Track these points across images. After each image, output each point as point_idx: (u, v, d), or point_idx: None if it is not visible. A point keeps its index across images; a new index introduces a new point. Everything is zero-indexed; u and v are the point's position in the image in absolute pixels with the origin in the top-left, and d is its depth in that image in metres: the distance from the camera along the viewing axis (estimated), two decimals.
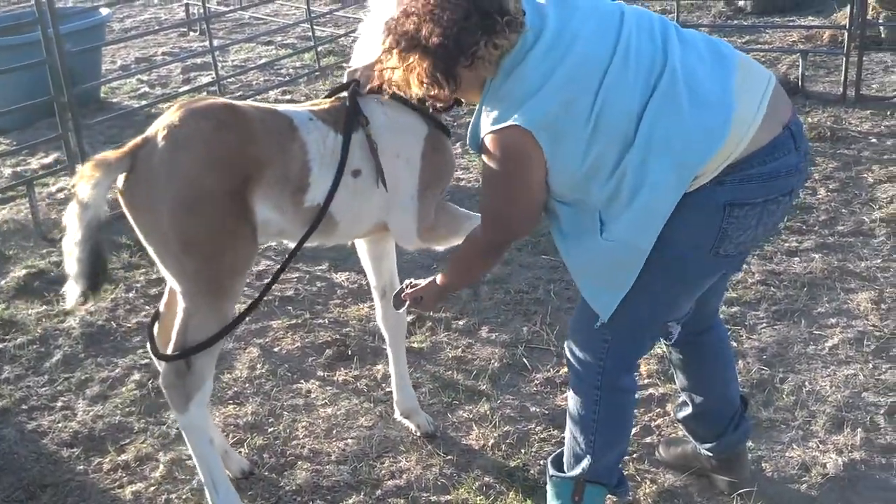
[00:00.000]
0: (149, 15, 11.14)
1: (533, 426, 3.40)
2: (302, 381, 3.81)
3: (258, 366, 3.92)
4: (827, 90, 6.94)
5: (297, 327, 4.20)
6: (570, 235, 2.48)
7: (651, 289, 2.43)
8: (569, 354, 2.68)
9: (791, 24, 8.68)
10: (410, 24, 2.34)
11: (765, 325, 3.95)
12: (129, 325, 4.32)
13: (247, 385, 3.79)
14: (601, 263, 2.44)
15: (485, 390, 3.64)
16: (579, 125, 2.31)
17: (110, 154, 2.63)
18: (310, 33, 8.65)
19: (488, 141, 2.37)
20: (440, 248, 3.19)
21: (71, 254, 2.66)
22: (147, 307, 4.43)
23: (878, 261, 4.41)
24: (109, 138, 6.73)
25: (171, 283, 2.76)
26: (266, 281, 3.06)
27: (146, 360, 3.98)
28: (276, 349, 4.05)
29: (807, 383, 3.53)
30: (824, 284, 4.23)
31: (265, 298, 4.36)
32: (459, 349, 3.92)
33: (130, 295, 4.57)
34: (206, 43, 7.89)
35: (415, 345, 3.98)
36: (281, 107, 2.92)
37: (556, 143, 2.32)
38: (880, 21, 7.61)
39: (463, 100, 2.55)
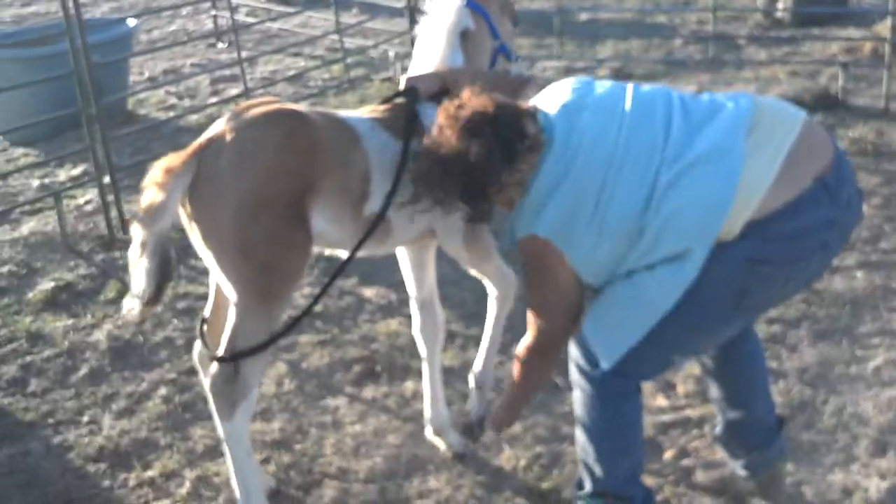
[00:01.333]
0: (176, 26, 11.17)
1: (565, 447, 3.31)
2: (330, 397, 3.74)
3: (286, 382, 3.86)
4: (869, 103, 6.79)
5: (325, 343, 4.14)
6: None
7: (667, 336, 2.43)
8: (572, 360, 2.67)
9: (830, 36, 8.54)
10: (442, 155, 2.46)
11: (806, 344, 3.84)
12: (156, 339, 4.27)
13: (274, 401, 3.73)
14: (615, 312, 2.51)
15: None
16: (583, 227, 2.42)
17: (177, 159, 2.56)
18: (338, 45, 8.62)
19: (520, 246, 2.55)
20: (474, 267, 3.16)
21: (138, 263, 2.62)
22: (174, 321, 4.39)
23: None
24: (137, 150, 6.73)
25: (224, 287, 2.70)
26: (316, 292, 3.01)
27: (173, 376, 3.93)
28: (303, 365, 3.99)
29: (849, 405, 3.43)
30: (867, 303, 4.11)
31: (291, 314, 4.36)
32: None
33: (158, 309, 4.50)
34: (235, 54, 7.87)
35: (445, 362, 3.89)
36: (343, 114, 2.90)
37: (568, 245, 2.45)
38: None
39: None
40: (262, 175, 2.57)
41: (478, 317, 4.22)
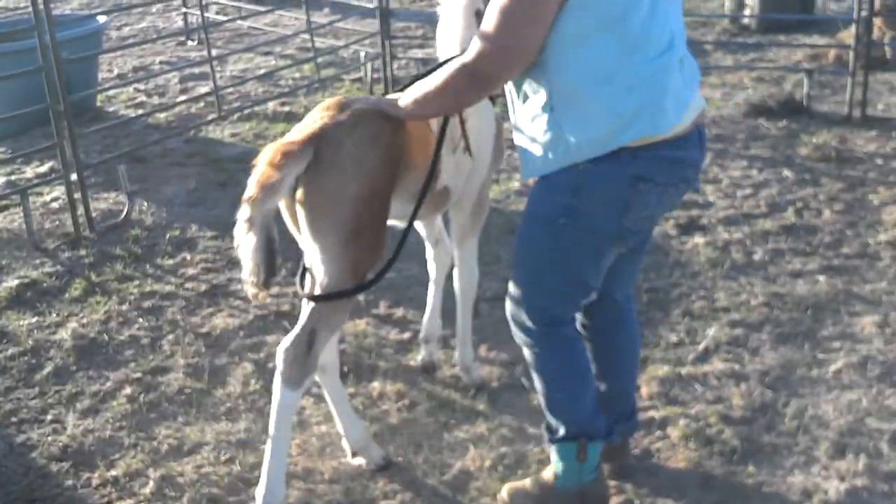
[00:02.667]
0: (146, 23, 11.10)
1: (531, 447, 3.33)
2: None
3: (252, 382, 3.85)
4: (832, 110, 6.90)
5: None
6: (525, 104, 2.62)
7: (564, 254, 2.66)
8: (514, 323, 2.87)
9: (796, 42, 8.65)
10: None
11: (768, 347, 3.89)
12: (121, 337, 4.24)
13: (240, 401, 3.72)
14: (537, 138, 2.58)
15: (482, 410, 3.57)
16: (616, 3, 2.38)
17: (294, 144, 2.65)
18: (309, 44, 8.60)
19: None
20: (460, 232, 3.50)
21: (246, 241, 2.66)
22: (140, 320, 4.36)
23: (884, 284, 4.35)
24: (105, 148, 6.68)
25: (323, 270, 2.79)
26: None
27: (138, 375, 3.91)
28: (270, 365, 3.96)
29: (810, 408, 3.47)
30: (829, 307, 4.17)
31: (258, 314, 4.36)
32: (457, 367, 3.85)
33: (124, 307, 4.49)
34: (205, 52, 7.83)
35: (411, 362, 3.92)
36: None
37: None
38: (886, 41, 7.59)
39: None
40: (377, 167, 2.75)
41: (445, 316, 4.24)
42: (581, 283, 2.76)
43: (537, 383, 2.93)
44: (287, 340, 2.83)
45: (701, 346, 3.91)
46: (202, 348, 4.11)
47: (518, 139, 2.69)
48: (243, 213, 2.64)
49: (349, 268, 2.78)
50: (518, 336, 2.90)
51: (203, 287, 4.68)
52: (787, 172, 5.74)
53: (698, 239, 4.89)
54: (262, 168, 2.63)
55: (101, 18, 7.83)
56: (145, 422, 3.61)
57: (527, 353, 2.91)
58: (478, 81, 2.51)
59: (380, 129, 2.77)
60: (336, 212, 2.72)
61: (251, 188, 2.63)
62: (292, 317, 4.34)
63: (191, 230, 5.33)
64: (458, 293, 3.65)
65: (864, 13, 6.69)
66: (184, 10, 10.36)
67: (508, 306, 2.89)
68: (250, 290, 2.77)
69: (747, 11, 9.56)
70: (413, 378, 3.80)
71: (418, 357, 3.88)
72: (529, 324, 2.82)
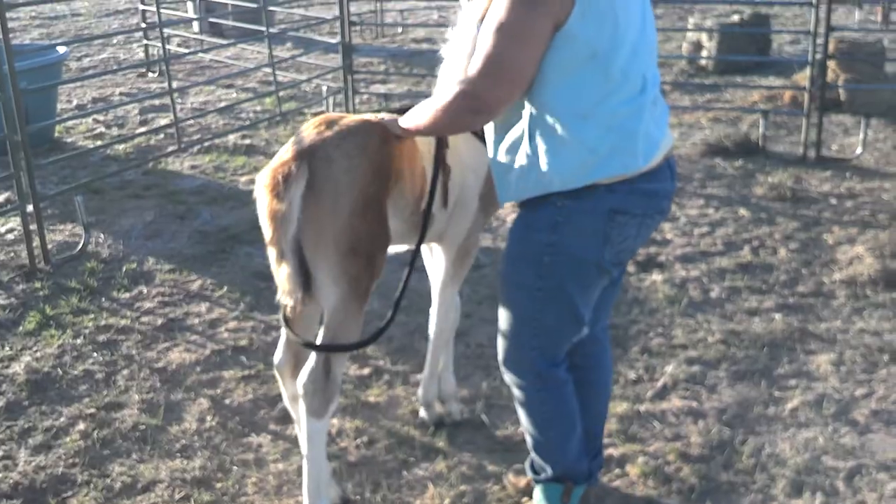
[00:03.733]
0: (107, 54, 11.03)
1: (490, 485, 3.31)
2: (253, 434, 3.68)
3: (208, 418, 3.79)
4: (788, 150, 7.03)
5: (249, 378, 4.08)
6: (504, 132, 2.65)
7: (554, 290, 2.68)
8: (504, 362, 2.88)
9: (752, 84, 8.83)
10: None
11: (725, 385, 3.92)
12: (75, 372, 4.16)
13: (195, 438, 3.66)
14: (514, 165, 2.61)
15: (442, 447, 3.55)
16: (601, 33, 2.40)
17: (288, 162, 2.71)
18: (271, 78, 8.60)
19: None
20: (449, 266, 3.43)
21: (280, 271, 2.77)
22: (94, 354, 4.28)
23: (839, 322, 4.42)
24: (62, 179, 6.60)
25: (325, 286, 2.82)
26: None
27: (91, 410, 3.84)
28: (227, 401, 3.92)
29: (767, 446, 3.49)
30: (785, 345, 4.22)
31: (216, 348, 4.31)
32: (417, 403, 3.82)
33: (78, 341, 4.41)
34: (165, 84, 7.80)
35: (371, 398, 3.89)
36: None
37: (588, 14, 2.38)
38: (840, 83, 7.78)
39: None
40: (368, 177, 2.78)
41: (406, 352, 4.23)
42: (575, 316, 2.76)
43: (526, 423, 2.94)
44: (305, 372, 2.88)
45: (659, 383, 3.93)
46: (157, 383, 4.05)
47: (494, 164, 2.70)
48: (270, 250, 2.78)
49: (350, 285, 2.81)
50: (511, 378, 2.90)
51: (159, 321, 4.62)
52: (743, 211, 5.83)
53: (656, 276, 4.94)
54: (266, 200, 2.72)
55: (62, 49, 7.76)
56: (98, 458, 3.53)
57: (518, 393, 2.90)
58: (475, 106, 2.48)
59: (366, 139, 2.82)
60: (333, 226, 2.75)
61: (266, 224, 2.74)
62: (250, 351, 4.30)
63: (148, 263, 5.27)
64: (432, 333, 3.60)
65: (818, 56, 6.86)
66: (145, 41, 10.33)
67: (501, 350, 2.88)
68: (287, 307, 2.87)
69: (704, 53, 9.75)
70: (372, 414, 3.77)
71: (422, 415, 3.71)
72: (525, 366, 2.82)
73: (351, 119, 2.93)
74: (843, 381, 3.91)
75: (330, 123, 2.87)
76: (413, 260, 3.02)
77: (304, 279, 2.78)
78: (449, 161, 3.10)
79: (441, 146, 3.02)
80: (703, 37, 9.79)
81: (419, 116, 2.67)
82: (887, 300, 4.60)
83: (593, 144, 2.49)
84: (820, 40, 6.81)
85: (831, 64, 7.54)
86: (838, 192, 6.13)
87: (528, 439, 2.97)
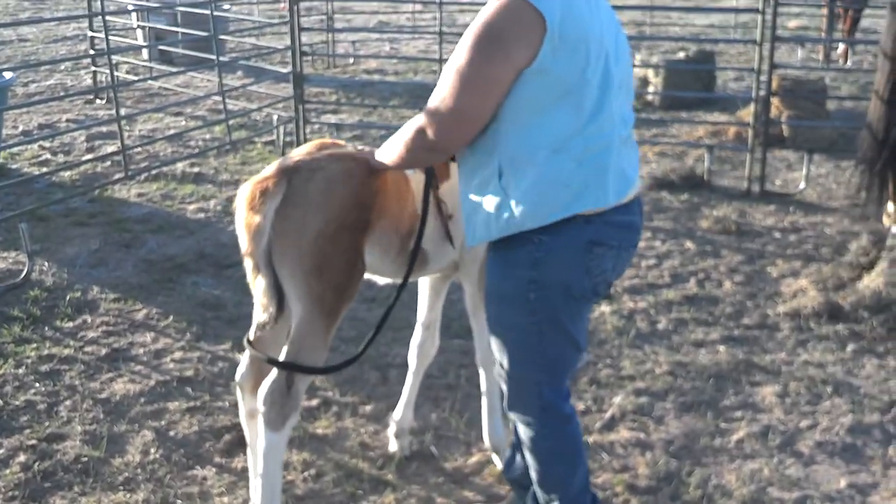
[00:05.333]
0: (55, 80, 10.88)
1: None
2: (198, 467, 3.61)
3: (152, 450, 3.71)
4: (732, 185, 7.17)
5: (195, 410, 4.01)
6: (473, 170, 2.62)
7: (547, 324, 2.65)
8: (509, 403, 2.83)
9: (697, 119, 9.00)
10: None
11: (672, 416, 3.95)
12: (16, 402, 4.05)
13: (139, 471, 3.58)
14: (485, 203, 2.58)
15: (391, 480, 3.52)
16: (573, 69, 2.41)
17: (269, 178, 2.79)
18: (221, 106, 8.56)
19: (484, 9, 2.40)
20: (472, 302, 3.39)
21: (256, 284, 2.84)
22: (37, 385, 4.18)
23: (783, 354, 4.49)
24: (7, 206, 6.47)
25: (293, 302, 2.86)
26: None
27: (33, 442, 3.73)
28: (171, 433, 3.85)
29: (713, 477, 3.52)
30: (730, 377, 4.27)
31: (161, 379, 4.23)
32: (366, 435, 3.79)
33: (20, 371, 4.30)
34: (113, 111, 7.71)
35: (319, 430, 3.84)
36: None
37: (560, 51, 2.38)
38: (783, 120, 7.96)
39: None
40: (345, 204, 2.81)
41: (355, 383, 4.20)
42: (573, 342, 2.74)
43: (531, 459, 2.89)
44: (266, 383, 2.89)
45: (607, 415, 3.95)
46: (101, 415, 3.96)
47: (464, 203, 2.68)
48: (247, 261, 2.85)
49: (314, 304, 2.83)
50: (517, 417, 2.84)
51: (103, 351, 4.52)
52: (689, 244, 5.92)
53: (605, 307, 4.98)
54: (244, 213, 2.79)
55: (8, 75, 7.63)
56: (39, 491, 3.44)
57: (524, 430, 2.85)
58: (430, 145, 2.53)
59: (352, 169, 2.85)
60: (300, 242, 2.78)
61: (242, 236, 2.82)
62: (195, 382, 4.23)
63: (92, 292, 5.18)
64: (481, 365, 3.54)
65: (762, 92, 7.02)
66: (93, 68, 10.21)
67: (507, 392, 2.82)
68: (260, 323, 2.90)
69: (651, 88, 9.92)
70: (320, 447, 3.73)
71: (394, 446, 3.69)
72: (534, 402, 2.77)
73: (345, 148, 2.98)
74: (788, 412, 3.97)
75: (322, 147, 2.95)
76: (397, 296, 3.00)
77: (279, 293, 2.82)
78: (450, 201, 3.08)
79: (429, 187, 2.97)
80: (650, 73, 9.97)
81: (387, 150, 2.73)
82: (830, 332, 4.68)
83: (566, 179, 2.48)
84: (763, 77, 6.98)
85: (775, 100, 7.73)
86: (782, 226, 6.26)
87: (533, 474, 2.91)
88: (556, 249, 2.56)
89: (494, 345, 2.82)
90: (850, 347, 4.54)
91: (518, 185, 2.51)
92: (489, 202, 2.57)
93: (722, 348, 4.54)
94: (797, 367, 4.36)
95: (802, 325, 4.78)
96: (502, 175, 2.53)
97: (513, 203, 2.52)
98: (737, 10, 12.60)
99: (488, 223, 2.60)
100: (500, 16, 2.38)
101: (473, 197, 2.63)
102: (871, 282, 5.01)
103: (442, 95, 2.45)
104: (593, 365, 4.37)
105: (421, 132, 2.52)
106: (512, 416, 2.89)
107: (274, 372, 2.90)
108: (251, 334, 3.05)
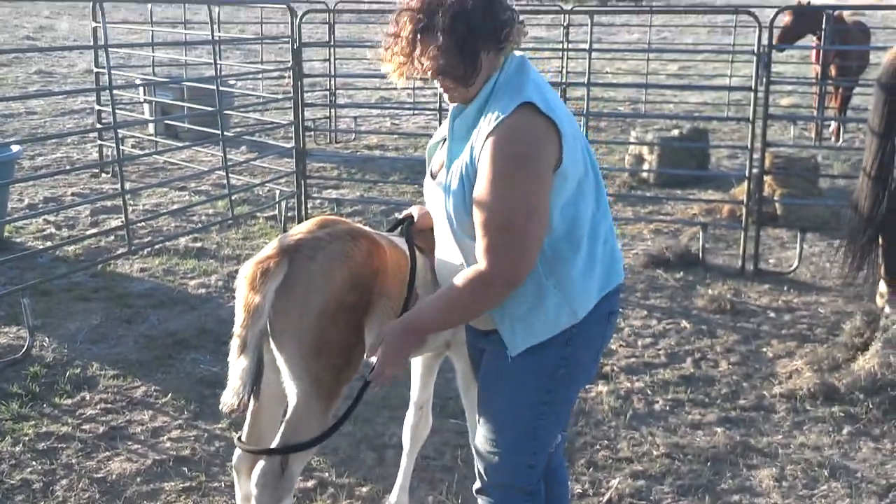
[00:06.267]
0: (61, 154, 11.04)
1: None
2: None
3: None
4: (727, 263, 7.24)
5: (190, 490, 4.01)
6: None
7: (561, 404, 2.68)
8: (487, 489, 2.77)
9: (691, 197, 9.11)
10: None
11: (670, 500, 3.96)
12: (12, 481, 4.05)
13: None
14: (538, 304, 2.55)
15: None
16: (579, 158, 2.50)
17: (270, 258, 2.82)
18: (224, 181, 8.67)
19: (498, 132, 2.38)
20: (464, 380, 3.37)
21: (237, 363, 2.81)
22: (34, 463, 4.19)
23: (780, 437, 4.50)
24: (9, 280, 6.52)
25: (288, 382, 2.87)
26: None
27: None
28: None
29: None
30: (727, 459, 4.28)
31: (157, 458, 4.24)
32: None
33: (17, 449, 4.31)
34: (118, 186, 7.81)
35: None
36: (395, 238, 3.12)
37: (570, 153, 2.45)
38: (776, 198, 8.07)
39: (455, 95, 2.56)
40: (346, 284, 2.84)
41: (351, 464, 4.20)
42: (565, 424, 2.78)
43: None
44: (259, 464, 2.89)
45: (605, 498, 3.95)
46: (96, 494, 3.96)
47: (501, 317, 2.59)
48: (235, 340, 2.81)
49: (312, 385, 2.83)
50: (491, 501, 2.78)
51: (101, 429, 4.54)
52: (685, 323, 5.96)
53: (602, 387, 5.00)
54: (244, 291, 2.80)
55: (15, 148, 7.76)
56: None
57: None
58: (507, 283, 2.45)
59: (354, 248, 2.89)
60: (300, 322, 2.80)
61: (239, 314, 2.80)
62: (192, 462, 4.24)
63: (92, 368, 5.21)
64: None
65: (755, 171, 7.13)
66: (99, 142, 10.36)
67: (489, 474, 2.75)
68: (228, 406, 2.84)
69: (646, 166, 10.06)
70: None
71: None
72: (518, 486, 2.72)
73: (346, 226, 3.02)
74: (785, 496, 3.97)
75: (323, 225, 2.98)
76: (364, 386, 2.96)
77: (255, 379, 2.81)
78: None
79: (414, 268, 2.96)
80: (645, 150, 10.12)
81: (442, 310, 2.56)
82: (826, 414, 4.70)
83: (602, 259, 2.60)
84: (757, 155, 7.10)
85: (768, 179, 7.83)
86: (776, 306, 6.31)
87: None
88: (588, 324, 2.60)
89: (490, 426, 2.72)
90: (846, 430, 4.55)
91: (566, 280, 2.53)
92: (536, 306, 2.54)
93: (719, 430, 4.55)
94: (794, 449, 4.37)
95: (798, 406, 4.81)
96: (548, 276, 2.53)
97: (564, 298, 2.54)
98: (730, 89, 12.87)
99: (538, 326, 2.56)
100: (524, 137, 2.39)
101: (512, 305, 2.55)
102: (866, 363, 5.04)
103: (500, 230, 2.38)
104: (590, 446, 4.38)
105: (484, 276, 2.42)
106: (483, 502, 2.81)
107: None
108: (243, 433, 3.06)
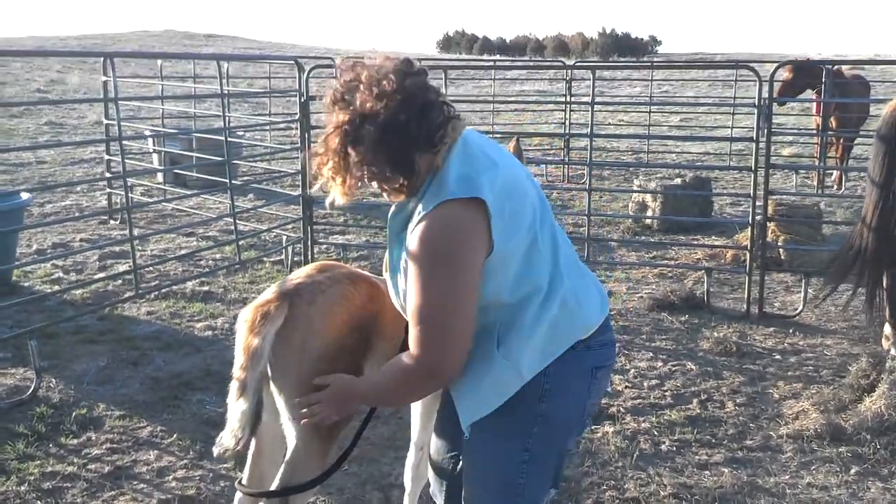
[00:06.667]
0: (70, 201, 11.15)
1: None
2: None
3: None
4: (731, 306, 7.26)
5: None
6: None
7: (541, 463, 2.60)
8: None
9: (695, 242, 9.16)
10: (367, 101, 2.38)
11: None
12: None
13: None
14: (485, 375, 2.51)
15: None
16: (523, 229, 2.46)
17: (271, 304, 2.84)
18: (232, 227, 8.75)
19: (419, 230, 2.36)
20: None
21: (236, 405, 2.80)
22: (39, 502, 4.18)
23: (787, 477, 4.48)
24: (17, 323, 6.56)
25: (288, 425, 2.87)
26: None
27: None
28: None
29: None
30: (735, 499, 4.26)
31: (162, 498, 4.23)
32: None
33: (22, 488, 4.31)
34: (126, 232, 7.89)
35: None
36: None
37: (508, 229, 2.41)
38: (779, 243, 8.11)
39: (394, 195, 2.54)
40: (346, 326, 2.88)
41: (356, 502, 4.19)
42: (554, 479, 2.72)
43: None
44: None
45: None
46: None
47: (460, 391, 2.57)
48: (234, 383, 2.81)
49: (311, 427, 2.82)
50: None
51: (106, 468, 4.53)
52: (690, 365, 5.96)
53: (608, 428, 4.99)
54: (244, 334, 2.82)
55: (25, 195, 7.86)
56: None
57: None
58: (435, 376, 2.46)
59: (353, 292, 2.93)
60: (299, 365, 2.81)
61: (239, 356, 2.82)
62: (197, 501, 4.23)
63: (98, 409, 5.21)
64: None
65: (758, 217, 7.18)
66: (108, 190, 10.48)
67: None
68: (224, 448, 2.84)
69: (649, 212, 10.13)
70: None
71: None
72: None
73: (346, 269, 3.05)
74: None
75: (323, 269, 3.01)
76: (368, 418, 3.00)
77: (255, 421, 2.80)
78: None
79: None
80: (649, 198, 10.20)
81: (377, 391, 2.61)
82: (833, 455, 4.68)
83: (553, 320, 2.49)
84: (759, 203, 7.16)
85: (771, 225, 7.89)
86: (782, 348, 6.31)
87: None
88: (565, 380, 2.54)
89: (473, 481, 2.70)
90: (853, 470, 4.53)
91: (514, 347, 2.49)
92: (485, 376, 2.51)
93: (726, 470, 4.53)
94: (801, 489, 4.35)
95: (805, 447, 4.79)
96: (499, 346, 2.50)
97: (510, 364, 2.49)
98: (732, 139, 13.00)
99: (489, 395, 2.52)
100: (443, 235, 2.35)
101: (473, 374, 2.53)
102: (873, 403, 5.03)
103: (423, 325, 2.38)
104: (597, 486, 4.36)
105: (418, 369, 2.43)
106: None
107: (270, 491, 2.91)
108: (244, 476, 3.08)
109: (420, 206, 2.41)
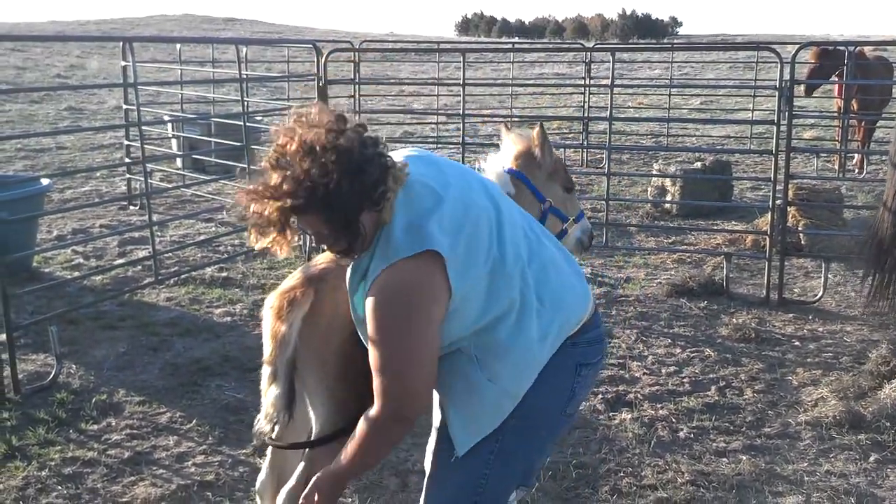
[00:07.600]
0: (90, 187, 11.22)
1: None
2: None
3: None
4: (751, 292, 7.21)
5: None
6: (449, 373, 2.56)
7: (513, 455, 2.59)
8: None
9: (715, 227, 9.10)
10: (303, 164, 2.35)
11: None
12: None
13: None
14: (475, 401, 2.54)
15: None
16: (480, 259, 2.44)
17: (297, 291, 2.86)
18: None
19: (372, 291, 2.37)
20: None
21: (269, 391, 2.87)
22: (59, 487, 4.22)
23: (805, 464, 4.46)
24: (38, 309, 6.62)
25: (314, 405, 2.91)
26: None
27: None
28: None
29: None
30: (752, 487, 4.24)
31: (182, 483, 4.26)
32: None
33: (43, 473, 4.35)
34: (146, 217, 7.93)
35: None
36: None
37: (464, 274, 2.40)
38: (800, 228, 8.05)
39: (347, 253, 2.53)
40: None
41: (374, 490, 4.20)
42: (524, 477, 2.72)
43: None
44: (285, 490, 2.93)
45: None
46: None
47: (452, 417, 2.59)
48: (266, 368, 2.88)
49: (337, 407, 2.87)
50: None
51: (126, 454, 4.57)
52: (709, 351, 5.94)
53: (625, 415, 4.98)
54: (270, 321, 2.86)
55: (45, 181, 7.91)
56: None
57: None
58: (392, 433, 2.50)
59: None
60: (326, 349, 2.85)
61: (267, 344, 2.87)
62: (216, 487, 4.26)
63: (118, 395, 5.26)
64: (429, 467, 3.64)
65: (779, 202, 7.12)
66: (128, 175, 10.53)
67: None
68: (262, 432, 2.92)
69: (669, 197, 10.07)
70: None
71: None
72: None
73: None
74: None
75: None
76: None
77: (289, 404, 2.87)
78: None
79: None
80: (668, 182, 10.14)
81: (354, 458, 2.56)
82: (852, 442, 4.66)
83: (533, 335, 2.51)
84: (780, 187, 7.09)
85: (792, 210, 7.82)
86: (801, 335, 6.28)
87: None
88: (545, 371, 2.55)
89: (435, 467, 2.73)
90: (872, 457, 4.50)
91: (503, 361, 2.51)
92: (473, 402, 2.54)
93: (744, 458, 4.51)
94: (820, 477, 4.33)
95: (824, 434, 4.76)
96: (482, 370, 2.51)
97: (499, 387, 2.51)
98: (752, 122, 12.89)
99: (484, 422, 2.55)
100: (396, 293, 2.35)
101: (463, 405, 2.56)
102: (893, 391, 5.00)
103: (383, 376, 2.41)
104: (614, 473, 4.36)
105: (376, 418, 2.45)
106: None
107: (293, 480, 2.93)
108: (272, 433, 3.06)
109: (371, 266, 2.41)
